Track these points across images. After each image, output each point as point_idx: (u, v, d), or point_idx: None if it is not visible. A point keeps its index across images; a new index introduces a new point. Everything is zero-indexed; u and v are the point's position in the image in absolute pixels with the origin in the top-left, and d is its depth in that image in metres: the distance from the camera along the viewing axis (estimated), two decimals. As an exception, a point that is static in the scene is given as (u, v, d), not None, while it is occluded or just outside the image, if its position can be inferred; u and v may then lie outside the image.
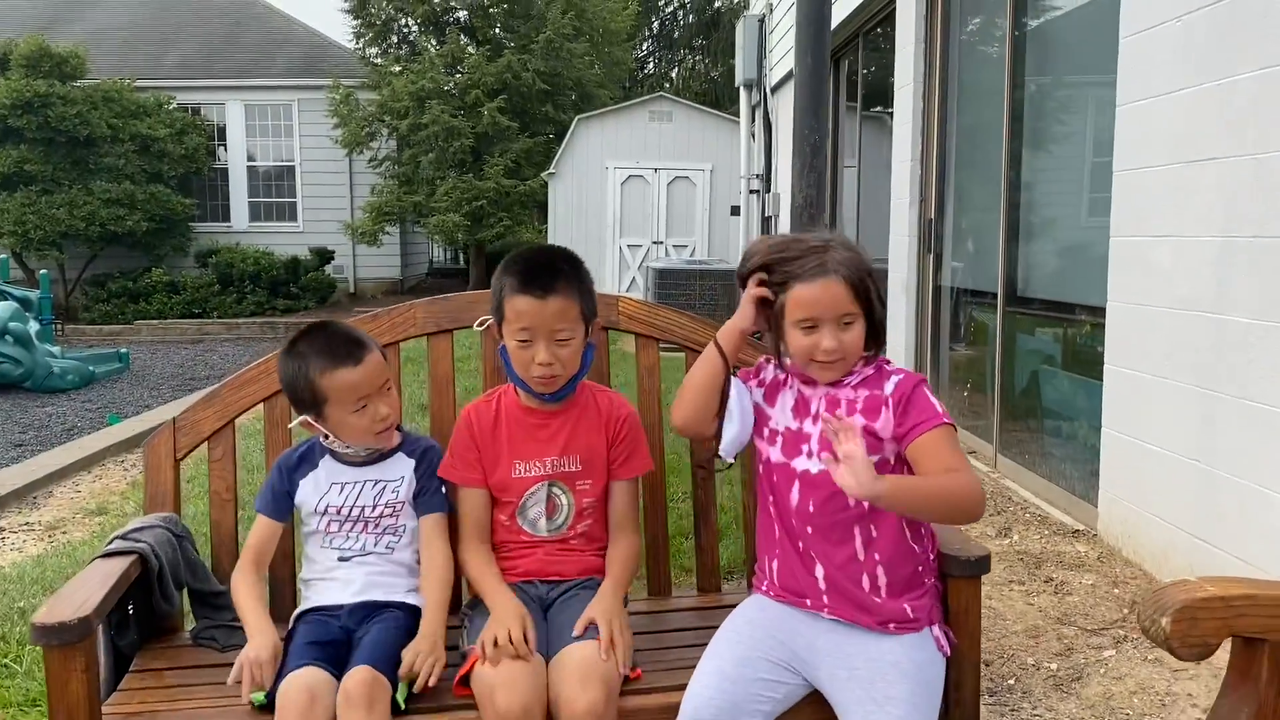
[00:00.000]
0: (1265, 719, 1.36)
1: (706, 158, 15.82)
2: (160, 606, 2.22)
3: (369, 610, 2.11)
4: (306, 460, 2.20)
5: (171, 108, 18.48)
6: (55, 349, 10.69)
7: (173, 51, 20.21)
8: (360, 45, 19.53)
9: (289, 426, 2.20)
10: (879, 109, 8.29)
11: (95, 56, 18.15)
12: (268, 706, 1.87)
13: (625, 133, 15.93)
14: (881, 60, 8.46)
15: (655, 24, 31.67)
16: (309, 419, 2.14)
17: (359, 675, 1.85)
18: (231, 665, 1.95)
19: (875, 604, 1.96)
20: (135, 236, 17.42)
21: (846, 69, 9.65)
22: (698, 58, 31.91)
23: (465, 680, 1.94)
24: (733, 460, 2.14)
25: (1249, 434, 3.30)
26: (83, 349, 12.87)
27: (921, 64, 6.69)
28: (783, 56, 10.89)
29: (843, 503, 1.97)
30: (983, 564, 2.04)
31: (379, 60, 19.34)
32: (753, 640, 1.98)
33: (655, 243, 15.75)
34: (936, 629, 1.99)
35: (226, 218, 19.81)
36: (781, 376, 2.12)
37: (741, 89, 12.57)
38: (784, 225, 11.27)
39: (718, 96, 27.03)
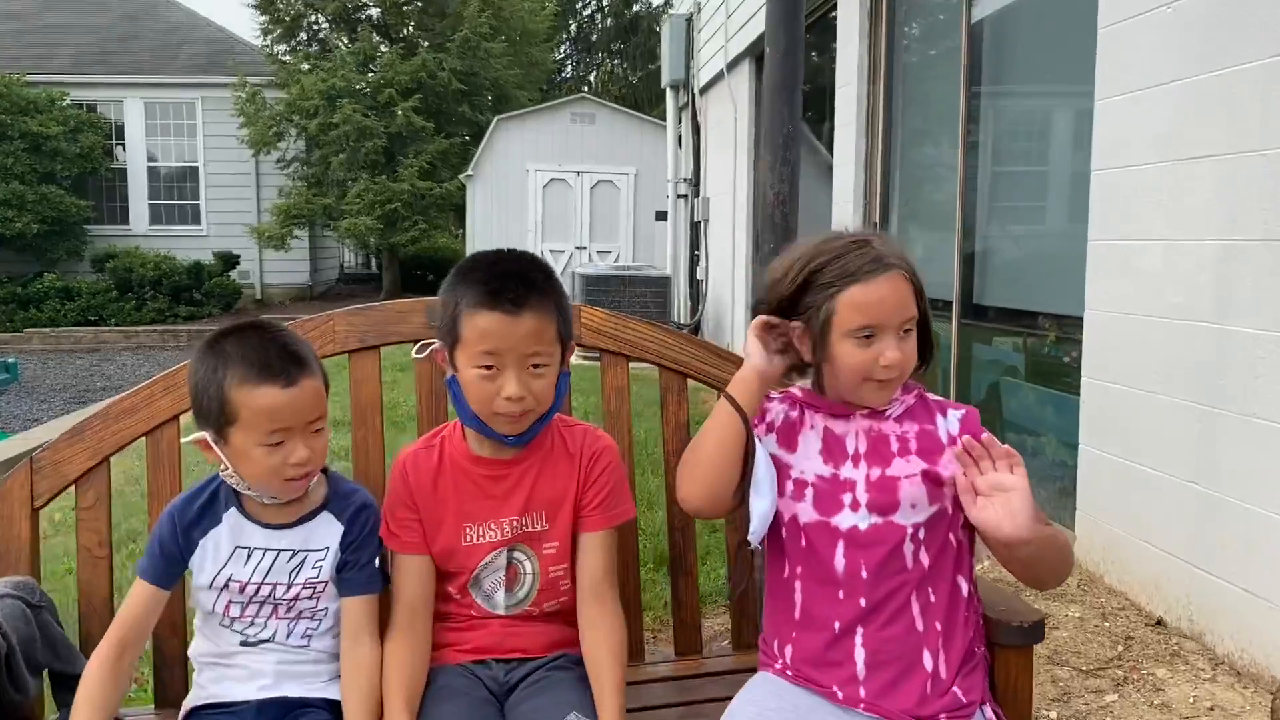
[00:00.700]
0: None
1: (631, 161, 15.53)
2: (9, 696, 1.74)
3: (282, 710, 1.67)
4: (208, 513, 1.71)
5: (65, 105, 17.66)
6: (-67, 359, 9.91)
7: (66, 46, 19.27)
8: (268, 42, 19.08)
9: (183, 442, 1.71)
10: (810, 114, 8.02)
11: (-19, 49, 17.20)
12: None
13: (547, 134, 15.57)
14: (821, 58, 8.19)
15: (573, 27, 31.32)
16: (207, 438, 1.63)
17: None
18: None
19: (929, 689, 1.59)
20: (25, 239, 16.67)
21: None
22: (616, 61, 31.63)
23: None
24: (761, 545, 1.71)
25: (1256, 455, 3.02)
26: (-34, 359, 12.03)
27: (866, 62, 6.40)
28: (712, 56, 10.59)
29: (901, 563, 1.61)
30: (1037, 630, 1.69)
31: (287, 58, 18.92)
32: None
33: (579, 248, 15.38)
34: (989, 710, 1.63)
35: (125, 220, 19.00)
36: (795, 415, 1.74)
37: (668, 90, 12.25)
38: (714, 230, 10.99)
39: (637, 101, 26.78)
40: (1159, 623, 3.40)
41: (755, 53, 9.22)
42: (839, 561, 1.64)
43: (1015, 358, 4.89)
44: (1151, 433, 3.50)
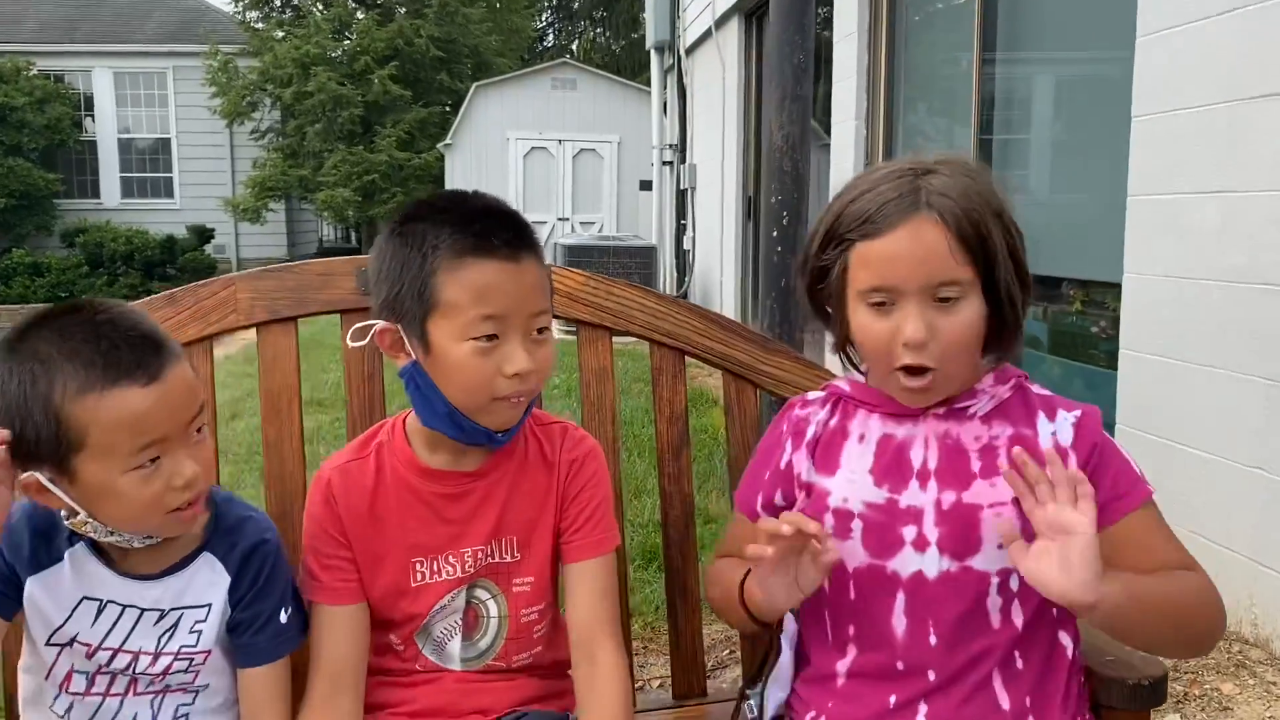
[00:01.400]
0: None
1: (614, 129, 15.04)
2: None
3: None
4: (42, 546, 1.24)
5: (31, 75, 17.02)
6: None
7: (31, 14, 18.63)
8: (240, 9, 18.66)
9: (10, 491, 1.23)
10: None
11: (-60, 17, 16.63)
12: None
13: (527, 102, 15.06)
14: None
15: (554, -6, 30.68)
16: (40, 478, 1.14)
17: None
18: None
19: None
20: (-8, 214, 16.03)
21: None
22: (598, 30, 31.03)
23: None
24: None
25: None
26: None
27: (867, 10, 5.94)
28: (699, 14, 10.10)
29: (984, 622, 1.19)
30: (1157, 691, 1.28)
31: (260, 25, 18.43)
32: None
33: (561, 219, 14.91)
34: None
35: (96, 194, 18.41)
36: (838, 421, 1.32)
37: (652, 53, 11.72)
38: (701, 198, 10.55)
39: (620, 70, 26.18)
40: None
41: (744, 8, 8.75)
42: (898, 622, 1.22)
43: (1038, 328, 4.48)
44: (1205, 411, 3.09)
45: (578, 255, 10.30)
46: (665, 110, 11.84)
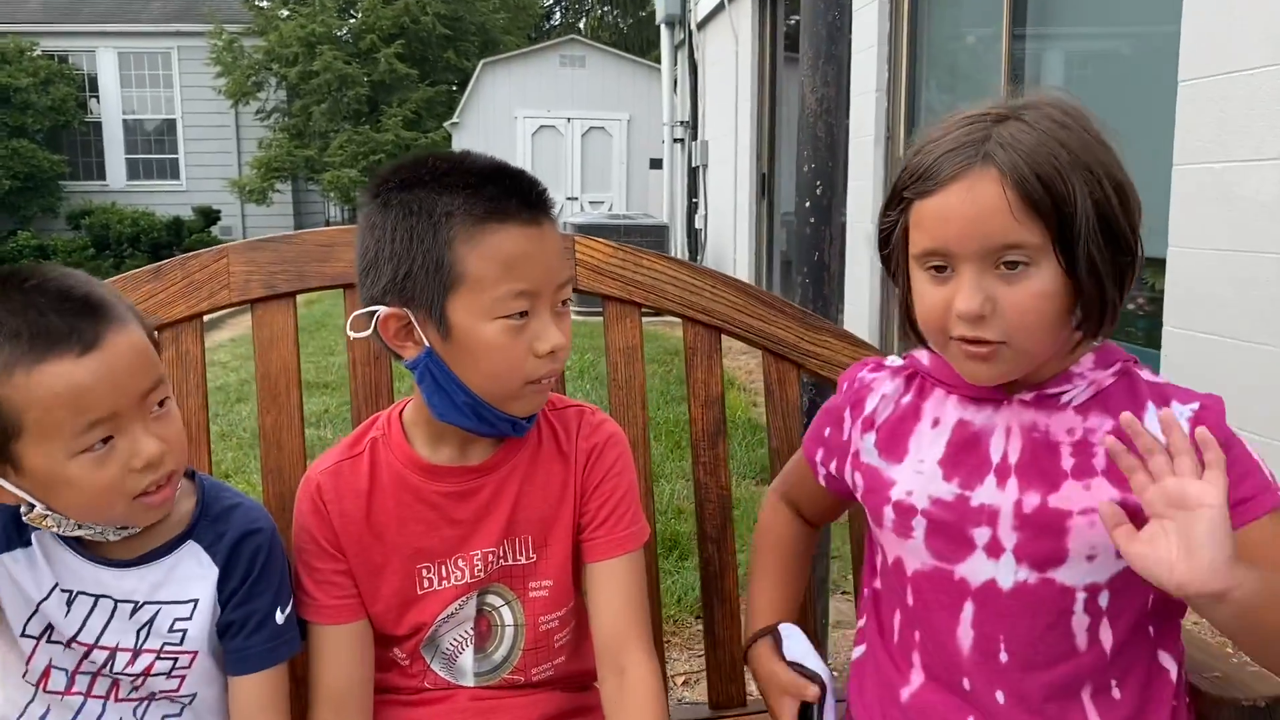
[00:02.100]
0: None
1: (624, 107, 14.85)
2: None
3: None
4: (14, 521, 1.09)
5: (35, 55, 16.93)
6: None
7: (34, -7, 18.51)
8: (243, -14, 18.23)
9: None
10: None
11: (-58, -2, 16.53)
12: None
13: (535, 79, 14.87)
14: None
15: (562, -29, 30.43)
16: None
17: None
18: None
19: None
20: (-3, 196, 15.95)
21: (784, 7, 8.70)
22: (606, 8, 30.76)
23: None
24: None
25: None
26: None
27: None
28: (712, -14, 9.90)
29: (1067, 643, 1.05)
30: (1275, 712, 1.12)
31: (264, 3, 18.22)
32: None
33: (570, 198, 14.74)
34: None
35: (101, 175, 18.32)
36: (910, 400, 1.17)
37: (663, 27, 11.56)
38: (713, 175, 10.38)
39: (629, 49, 25.97)
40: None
41: (758, -21, 8.56)
42: (964, 635, 1.08)
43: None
44: (1256, 391, 2.94)
45: (588, 235, 10.15)
46: (676, 86, 11.67)
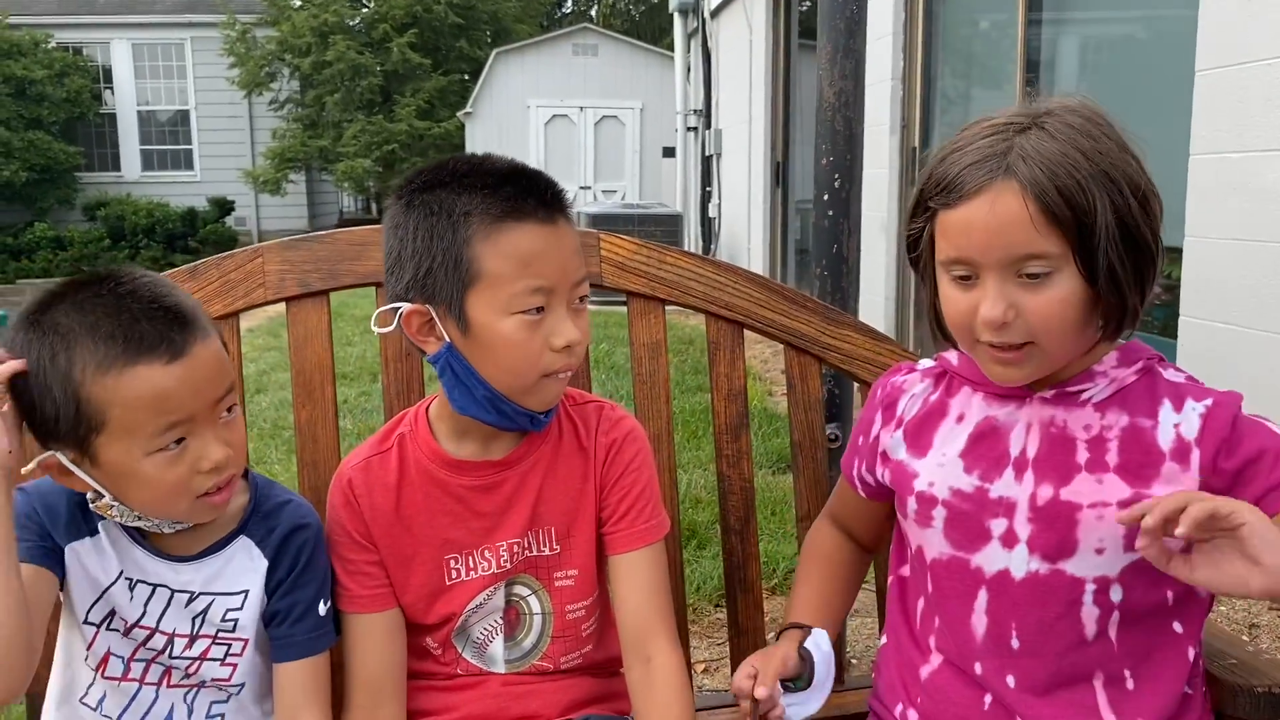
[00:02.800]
0: None
1: (636, 95, 14.86)
2: None
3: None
4: (83, 511, 1.15)
5: (50, 47, 16.98)
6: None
7: (49, -15, 18.57)
8: (256, -23, 18.24)
9: (22, 471, 1.09)
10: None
11: (-42, -9, 16.59)
12: None
13: (547, 68, 14.89)
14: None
15: (573, -41, 30.37)
16: (61, 458, 1.07)
17: None
18: None
19: None
20: (14, 188, 16.09)
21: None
22: (618, -5, 30.70)
23: None
24: None
25: None
26: (-49, 312, 11.52)
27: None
28: (725, -25, 9.89)
29: (1076, 633, 1.08)
30: (1290, 700, 1.15)
31: (277, -7, 18.07)
32: None
33: (583, 187, 14.77)
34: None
35: (116, 167, 18.40)
36: (938, 397, 1.20)
37: (676, 15, 11.56)
38: (727, 164, 10.38)
39: (641, 37, 25.95)
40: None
41: (772, -32, 8.55)
42: (978, 622, 1.12)
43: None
44: (1273, 381, 2.95)
45: (602, 224, 10.14)
46: (689, 75, 11.67)
